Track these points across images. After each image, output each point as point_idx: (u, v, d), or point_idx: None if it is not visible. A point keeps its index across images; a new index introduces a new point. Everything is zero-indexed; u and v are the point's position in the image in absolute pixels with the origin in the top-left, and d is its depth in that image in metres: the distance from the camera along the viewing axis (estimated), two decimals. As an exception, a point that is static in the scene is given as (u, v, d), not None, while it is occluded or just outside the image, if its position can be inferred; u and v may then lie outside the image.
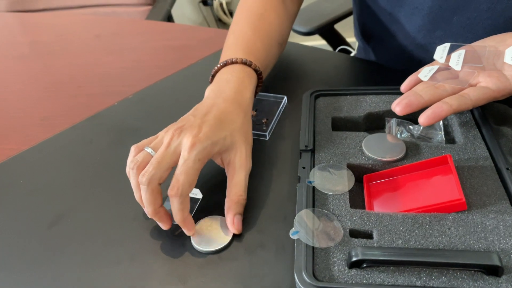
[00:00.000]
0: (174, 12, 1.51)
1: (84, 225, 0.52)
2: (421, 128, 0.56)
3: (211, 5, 2.35)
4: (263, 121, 0.64)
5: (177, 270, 0.46)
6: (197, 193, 0.55)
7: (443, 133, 0.55)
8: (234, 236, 0.49)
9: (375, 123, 0.58)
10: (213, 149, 0.48)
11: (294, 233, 0.43)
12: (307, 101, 0.59)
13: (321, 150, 0.52)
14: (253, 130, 0.57)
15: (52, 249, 0.49)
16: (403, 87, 0.55)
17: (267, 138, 0.62)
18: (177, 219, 0.47)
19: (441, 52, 0.55)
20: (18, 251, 0.50)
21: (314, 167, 0.50)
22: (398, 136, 0.54)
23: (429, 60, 0.57)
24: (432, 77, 0.53)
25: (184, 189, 0.45)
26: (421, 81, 0.53)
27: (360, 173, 0.50)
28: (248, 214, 0.51)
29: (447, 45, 0.56)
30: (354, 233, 0.43)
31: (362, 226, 0.43)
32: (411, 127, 0.56)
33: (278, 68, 0.78)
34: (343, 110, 0.58)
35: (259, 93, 0.69)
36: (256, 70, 0.59)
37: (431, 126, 0.55)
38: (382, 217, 0.44)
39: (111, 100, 0.73)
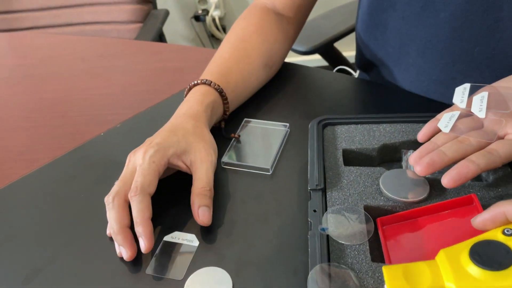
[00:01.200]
0: (166, 28, 1.45)
1: (65, 281, 0.45)
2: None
3: (204, 20, 2.30)
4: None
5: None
6: (193, 240, 0.48)
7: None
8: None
9: (390, 155, 0.52)
10: (167, 151, 0.50)
11: (309, 296, 0.36)
12: (314, 131, 0.53)
13: (333, 189, 0.46)
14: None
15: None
16: (420, 136, 0.49)
17: (270, 173, 0.56)
18: (137, 221, 0.45)
19: (460, 94, 0.49)
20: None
21: (326, 210, 0.44)
22: (418, 170, 0.48)
23: (450, 95, 0.51)
24: (454, 127, 0.47)
25: (143, 186, 0.46)
26: (440, 129, 0.48)
27: (377, 215, 0.44)
28: (253, 266, 0.45)
29: (466, 86, 0.50)
30: (379, 294, 0.37)
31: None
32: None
33: (278, 92, 0.72)
34: (354, 141, 0.52)
35: (259, 120, 0.64)
36: (215, 89, 0.61)
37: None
38: (410, 273, 0.37)
39: (97, 130, 0.67)
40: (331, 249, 0.40)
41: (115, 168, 0.60)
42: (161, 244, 0.48)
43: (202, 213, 0.48)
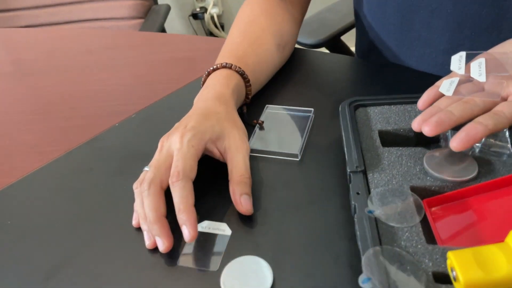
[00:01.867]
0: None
1: (88, 275, 0.42)
2: (482, 140, 0.47)
3: (202, 18, 2.27)
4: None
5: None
6: (225, 229, 0.46)
7: (510, 145, 0.47)
8: (275, 280, 0.40)
9: (427, 137, 0.49)
10: (204, 136, 0.48)
11: (366, 281, 0.33)
12: (345, 112, 0.50)
13: (374, 171, 0.44)
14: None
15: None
16: (421, 103, 0.47)
17: (299, 159, 0.53)
18: (180, 207, 0.42)
19: (457, 62, 0.48)
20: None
21: (369, 193, 0.42)
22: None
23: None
24: (456, 91, 0.45)
25: (185, 171, 0.44)
26: (441, 95, 0.46)
27: (424, 197, 0.42)
28: (291, 254, 0.42)
29: (462, 54, 0.49)
30: (440, 278, 0.34)
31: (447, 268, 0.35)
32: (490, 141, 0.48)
33: (296, 78, 0.70)
34: (390, 122, 0.49)
35: (282, 106, 0.61)
36: (237, 71, 0.58)
37: (495, 137, 0.47)
38: (470, 254, 0.35)
39: (111, 121, 0.64)
40: (380, 232, 0.38)
41: (133, 158, 0.57)
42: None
43: (244, 201, 0.45)
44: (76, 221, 0.48)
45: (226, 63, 0.59)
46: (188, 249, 0.44)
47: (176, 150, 0.46)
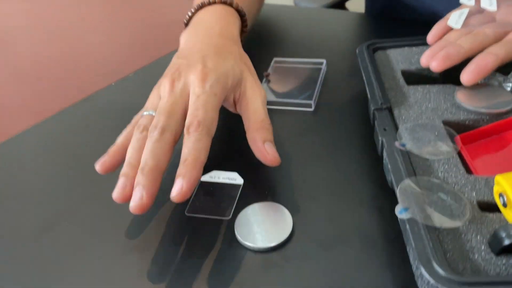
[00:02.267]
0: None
1: (85, 230, 0.38)
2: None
3: None
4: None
5: (223, 277, 0.33)
6: (236, 178, 0.42)
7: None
8: (295, 226, 0.36)
9: (454, 74, 0.46)
10: (227, 81, 0.40)
11: (403, 211, 0.30)
12: (364, 55, 0.47)
13: (400, 108, 0.40)
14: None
15: (45, 261, 0.35)
16: (430, 37, 0.45)
17: (312, 108, 0.50)
18: (188, 159, 0.34)
19: None
20: (3, 266, 0.35)
21: (397, 129, 0.38)
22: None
23: None
24: (466, 23, 0.43)
25: (206, 123, 0.36)
26: (450, 29, 0.44)
27: (458, 132, 0.38)
28: (311, 200, 0.38)
29: None
30: (486, 206, 0.31)
31: (493, 197, 0.31)
32: (500, 78, 0.44)
33: (303, 32, 0.66)
34: (412, 62, 0.46)
35: (291, 58, 0.57)
36: (238, 10, 0.51)
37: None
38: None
39: (108, 81, 0.60)
40: (414, 165, 0.34)
41: (131, 115, 0.52)
42: (198, 185, 0.41)
43: (269, 148, 0.37)
44: (73, 178, 0.44)
45: (226, 0, 0.50)
46: (194, 199, 0.40)
47: (195, 96, 0.38)
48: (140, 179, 0.34)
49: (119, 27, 0.75)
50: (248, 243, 0.35)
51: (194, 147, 0.35)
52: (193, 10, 0.51)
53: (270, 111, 0.51)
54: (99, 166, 0.38)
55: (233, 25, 0.49)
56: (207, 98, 0.37)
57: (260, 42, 0.64)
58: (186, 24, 0.51)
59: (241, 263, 0.34)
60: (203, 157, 0.35)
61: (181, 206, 0.39)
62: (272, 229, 0.36)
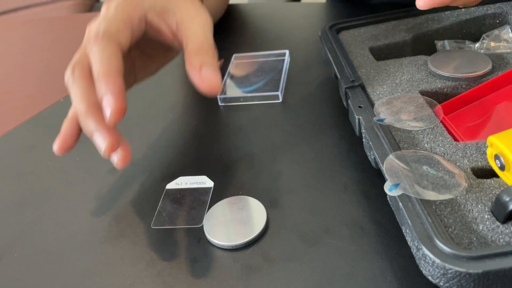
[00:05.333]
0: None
1: (40, 254, 0.33)
2: (485, 44, 0.42)
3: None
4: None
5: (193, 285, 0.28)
6: (205, 181, 0.38)
7: (515, 44, 0.41)
8: (271, 220, 0.32)
9: (423, 47, 0.43)
10: (142, 2, 0.34)
11: (392, 187, 0.26)
12: (327, 36, 0.44)
13: (373, 84, 0.37)
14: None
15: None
16: None
17: (280, 100, 0.46)
18: (99, 72, 0.30)
19: None
20: None
21: (373, 105, 0.35)
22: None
23: None
24: None
25: (107, 30, 0.31)
26: None
27: (438, 102, 0.35)
28: (289, 193, 0.35)
29: None
30: (481, 173, 0.28)
31: (488, 162, 0.28)
32: (470, 45, 0.42)
33: (259, 27, 0.63)
34: (379, 38, 0.43)
35: (252, 53, 0.54)
36: None
37: (498, 39, 0.42)
38: None
39: (55, 98, 0.55)
40: (397, 139, 0.31)
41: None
42: (163, 193, 0.37)
43: (206, 73, 0.31)
44: (21, 201, 0.39)
45: None
46: (160, 210, 0.35)
47: (100, 17, 0.33)
48: (86, 124, 0.31)
49: (65, 46, 0.70)
50: (221, 242, 0.31)
51: (101, 57, 0.30)
52: None
53: (237, 108, 0.47)
54: (56, 147, 0.35)
55: None
56: (111, 12, 0.33)
57: (218, 40, 0.61)
58: None
59: (218, 270, 0.29)
60: (115, 65, 0.30)
61: (147, 218, 0.35)
62: (243, 224, 0.32)
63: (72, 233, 0.35)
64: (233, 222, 0.32)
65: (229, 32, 0.63)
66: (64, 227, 0.35)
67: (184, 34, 0.34)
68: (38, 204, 0.38)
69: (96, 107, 0.31)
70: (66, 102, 0.54)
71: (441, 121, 0.33)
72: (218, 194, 0.36)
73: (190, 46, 0.33)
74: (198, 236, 0.32)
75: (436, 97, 0.35)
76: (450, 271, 0.22)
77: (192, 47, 0.33)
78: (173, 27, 0.35)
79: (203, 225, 0.33)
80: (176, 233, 0.33)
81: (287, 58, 0.52)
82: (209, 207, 0.35)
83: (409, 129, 0.31)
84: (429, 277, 0.23)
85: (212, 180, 0.37)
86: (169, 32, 0.36)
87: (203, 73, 0.31)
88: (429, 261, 0.23)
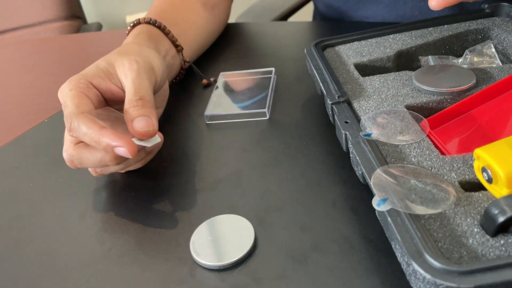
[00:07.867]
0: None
1: (18, 282, 0.32)
2: (468, 59, 0.42)
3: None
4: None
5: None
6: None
7: (498, 60, 0.42)
8: (260, 238, 0.32)
9: (407, 63, 0.44)
10: (85, 75, 0.39)
11: (381, 202, 0.26)
12: (313, 53, 0.44)
13: (359, 99, 0.37)
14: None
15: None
16: None
17: (267, 117, 0.46)
18: (94, 139, 0.35)
19: None
20: None
21: (359, 121, 0.35)
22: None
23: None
24: None
25: (72, 112, 0.36)
26: None
27: (424, 115, 0.35)
28: (281, 211, 0.34)
29: None
30: (469, 186, 0.28)
31: (475, 175, 0.28)
32: (454, 60, 0.43)
33: (246, 46, 0.63)
34: (363, 54, 0.43)
35: (239, 71, 0.54)
36: (148, 22, 0.51)
37: (481, 54, 0.42)
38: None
39: (39, 119, 0.54)
40: (384, 154, 0.31)
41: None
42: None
43: (137, 122, 0.36)
44: (4, 223, 0.38)
45: (133, 22, 0.52)
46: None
47: (62, 103, 0.38)
48: (101, 142, 0.34)
49: (51, 66, 0.69)
50: (208, 262, 0.30)
51: (85, 132, 0.35)
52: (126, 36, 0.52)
53: (224, 125, 0.47)
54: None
55: (136, 38, 0.48)
56: (65, 97, 0.38)
57: (205, 58, 0.61)
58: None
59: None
60: (96, 126, 0.35)
61: (133, 238, 0.34)
62: (230, 244, 0.31)
63: (56, 254, 0.34)
64: (220, 241, 0.32)
65: (216, 50, 0.63)
66: (49, 249, 0.34)
67: (125, 89, 0.39)
68: (22, 225, 0.37)
69: (103, 128, 0.35)
70: (49, 123, 0.53)
71: (427, 135, 0.33)
72: (205, 210, 0.35)
73: (125, 105, 0.37)
74: (184, 256, 0.31)
75: (421, 111, 0.35)
76: (441, 286, 0.21)
77: (125, 107, 0.37)
78: (119, 84, 0.40)
79: (189, 244, 0.32)
80: (162, 252, 0.32)
81: (273, 76, 0.52)
82: (194, 224, 0.34)
83: (396, 143, 0.31)
84: (420, 293, 0.23)
85: (199, 199, 0.37)
86: (116, 89, 0.40)
87: (134, 124, 0.35)
88: (420, 277, 0.22)
